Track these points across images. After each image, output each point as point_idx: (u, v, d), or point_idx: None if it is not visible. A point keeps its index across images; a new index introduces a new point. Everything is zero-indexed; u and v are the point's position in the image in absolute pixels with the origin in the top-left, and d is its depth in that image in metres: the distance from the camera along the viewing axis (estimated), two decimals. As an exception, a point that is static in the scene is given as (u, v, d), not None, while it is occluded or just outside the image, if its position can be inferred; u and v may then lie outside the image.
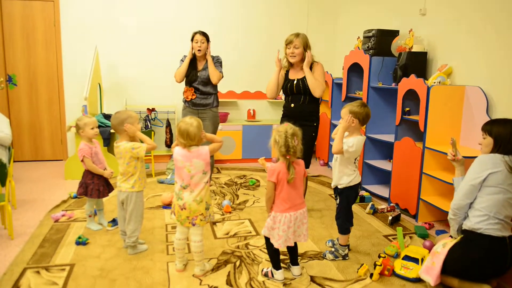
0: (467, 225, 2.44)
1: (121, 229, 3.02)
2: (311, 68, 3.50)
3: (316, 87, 3.43)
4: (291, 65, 3.61)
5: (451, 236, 2.66)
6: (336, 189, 2.94)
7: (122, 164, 2.85)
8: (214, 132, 4.16)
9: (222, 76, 4.09)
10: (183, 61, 4.12)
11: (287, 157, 2.44)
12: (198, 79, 4.04)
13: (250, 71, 6.10)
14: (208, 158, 2.59)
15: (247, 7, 5.98)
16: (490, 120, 2.56)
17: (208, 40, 4.04)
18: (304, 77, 3.48)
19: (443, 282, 2.51)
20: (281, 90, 3.67)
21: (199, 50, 3.98)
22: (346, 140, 2.79)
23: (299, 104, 3.53)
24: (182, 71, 4.05)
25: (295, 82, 3.53)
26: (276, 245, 2.50)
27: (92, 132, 3.24)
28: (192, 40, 4.03)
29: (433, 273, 2.47)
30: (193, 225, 2.60)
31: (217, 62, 4.10)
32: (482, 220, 2.36)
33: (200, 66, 4.07)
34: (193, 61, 4.10)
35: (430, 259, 2.55)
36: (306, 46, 3.48)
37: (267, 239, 2.58)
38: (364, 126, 4.49)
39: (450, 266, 2.44)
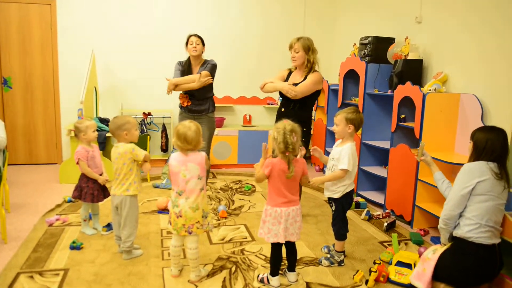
0: (458, 233, 2.45)
1: (116, 234, 3.00)
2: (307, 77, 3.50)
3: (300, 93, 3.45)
4: (295, 67, 3.64)
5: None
6: (330, 197, 2.95)
7: (119, 164, 2.83)
8: (210, 137, 4.14)
9: (212, 77, 4.01)
10: (179, 65, 4.05)
11: (286, 154, 2.45)
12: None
13: (247, 76, 6.11)
14: (203, 163, 2.58)
15: (244, 12, 6.00)
16: (479, 127, 2.61)
17: (203, 43, 4.00)
18: (298, 83, 3.48)
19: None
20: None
21: (194, 50, 3.92)
22: (340, 149, 2.83)
23: (289, 109, 3.53)
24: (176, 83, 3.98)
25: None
26: (265, 239, 2.52)
27: (94, 135, 3.24)
28: (186, 44, 3.97)
29: (424, 279, 2.50)
30: (190, 233, 2.58)
31: (212, 66, 4.00)
32: (474, 229, 2.38)
33: (195, 71, 4.02)
34: (188, 66, 4.05)
35: (421, 265, 2.58)
36: (307, 50, 3.49)
37: (272, 245, 2.59)
38: (360, 132, 4.54)
39: (440, 273, 2.46)
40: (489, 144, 2.39)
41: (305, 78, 3.48)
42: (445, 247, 2.53)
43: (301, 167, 2.56)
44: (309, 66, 3.51)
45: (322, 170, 5.76)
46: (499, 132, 2.44)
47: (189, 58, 4.06)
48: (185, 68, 4.03)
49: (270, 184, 2.54)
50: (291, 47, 3.53)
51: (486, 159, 2.40)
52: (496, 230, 2.41)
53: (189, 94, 4.02)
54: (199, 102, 4.03)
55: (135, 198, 2.91)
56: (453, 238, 2.53)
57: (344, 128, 2.83)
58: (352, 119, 2.80)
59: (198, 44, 3.95)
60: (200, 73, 3.87)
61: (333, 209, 2.93)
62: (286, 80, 3.64)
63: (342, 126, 2.83)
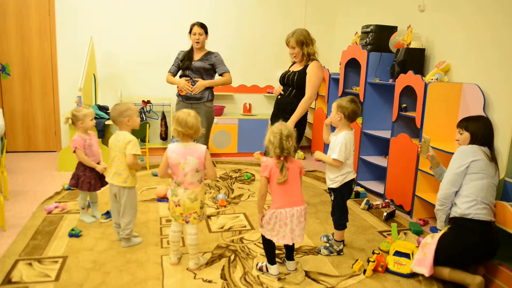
0: (457, 212, 2.54)
1: (115, 221, 2.99)
2: (307, 66, 3.46)
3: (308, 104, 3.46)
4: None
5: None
6: (330, 187, 2.93)
7: (115, 152, 2.81)
8: (209, 127, 4.11)
9: (229, 72, 4.08)
10: (178, 58, 4.04)
11: (281, 158, 2.43)
12: (191, 66, 3.97)
13: (247, 64, 6.06)
14: (203, 157, 2.56)
15: None
16: (464, 118, 2.74)
17: (206, 32, 3.97)
18: (298, 71, 3.47)
19: (434, 274, 2.54)
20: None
21: (197, 43, 3.92)
22: (335, 138, 2.81)
23: (285, 96, 3.54)
24: (171, 82, 4.05)
25: (288, 73, 3.54)
26: (274, 240, 2.49)
27: (92, 123, 3.21)
28: (190, 32, 3.97)
29: (426, 264, 2.54)
30: (187, 222, 2.59)
31: (220, 63, 4.02)
32: (471, 206, 2.48)
33: (196, 57, 4.00)
34: (189, 55, 4.01)
35: (421, 251, 2.62)
36: (302, 44, 3.41)
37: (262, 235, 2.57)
38: (360, 121, 4.51)
39: (441, 254, 2.51)
40: (486, 131, 2.60)
41: (304, 68, 3.45)
42: (443, 231, 2.61)
43: (298, 166, 2.53)
44: (306, 58, 3.47)
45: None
46: (486, 120, 2.70)
47: (192, 46, 4.03)
48: (185, 61, 3.98)
49: (271, 186, 2.49)
50: (287, 43, 3.48)
51: (479, 144, 2.59)
52: (491, 208, 2.52)
53: (186, 76, 3.99)
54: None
55: (133, 188, 2.90)
56: (450, 220, 2.62)
57: (334, 116, 2.82)
58: (343, 108, 2.77)
59: (201, 35, 3.91)
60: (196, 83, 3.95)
61: (332, 198, 2.92)
62: (288, 69, 3.63)
63: (333, 113, 2.83)
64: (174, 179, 2.58)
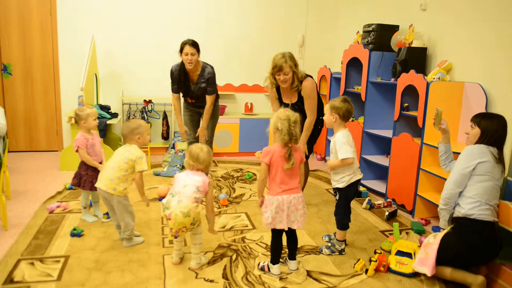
0: (461, 212, 2.53)
1: (115, 223, 2.99)
2: (299, 91, 3.39)
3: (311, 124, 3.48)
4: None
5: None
6: (335, 187, 2.92)
7: (118, 157, 2.81)
8: (214, 124, 4.12)
9: (217, 93, 4.02)
10: (175, 77, 3.92)
11: (289, 145, 2.43)
12: (192, 94, 3.95)
13: (248, 64, 6.05)
14: (206, 186, 2.55)
15: (246, -1, 5.92)
16: (480, 113, 2.69)
17: (198, 50, 3.76)
18: (298, 101, 3.42)
19: (436, 273, 2.54)
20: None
21: (189, 63, 3.71)
22: (333, 140, 2.81)
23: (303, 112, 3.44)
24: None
25: (290, 106, 3.46)
26: (266, 225, 2.51)
27: (94, 123, 3.22)
28: (181, 51, 3.75)
29: (429, 263, 2.53)
30: (175, 237, 2.56)
31: (211, 83, 3.87)
32: (475, 206, 2.47)
33: (193, 78, 3.91)
34: (184, 74, 3.88)
35: (423, 250, 2.61)
36: (295, 67, 3.27)
37: (272, 233, 2.58)
38: (362, 121, 4.50)
39: (444, 254, 2.51)
40: (498, 131, 2.52)
41: (299, 94, 3.40)
42: (445, 230, 2.60)
43: (300, 154, 2.55)
44: (297, 81, 3.33)
45: (323, 159, 5.74)
46: (501, 119, 2.57)
47: (182, 63, 3.84)
48: (181, 80, 3.90)
49: (270, 173, 2.50)
50: (279, 69, 3.20)
51: (489, 143, 2.52)
52: (495, 209, 2.52)
53: (191, 98, 4.00)
54: (203, 101, 4.00)
55: (121, 197, 2.83)
56: (454, 220, 2.61)
57: (329, 117, 2.80)
58: (336, 108, 2.76)
59: (193, 55, 3.71)
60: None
61: (337, 198, 2.91)
62: (280, 99, 3.55)
63: (327, 115, 2.82)
64: (170, 190, 2.57)
